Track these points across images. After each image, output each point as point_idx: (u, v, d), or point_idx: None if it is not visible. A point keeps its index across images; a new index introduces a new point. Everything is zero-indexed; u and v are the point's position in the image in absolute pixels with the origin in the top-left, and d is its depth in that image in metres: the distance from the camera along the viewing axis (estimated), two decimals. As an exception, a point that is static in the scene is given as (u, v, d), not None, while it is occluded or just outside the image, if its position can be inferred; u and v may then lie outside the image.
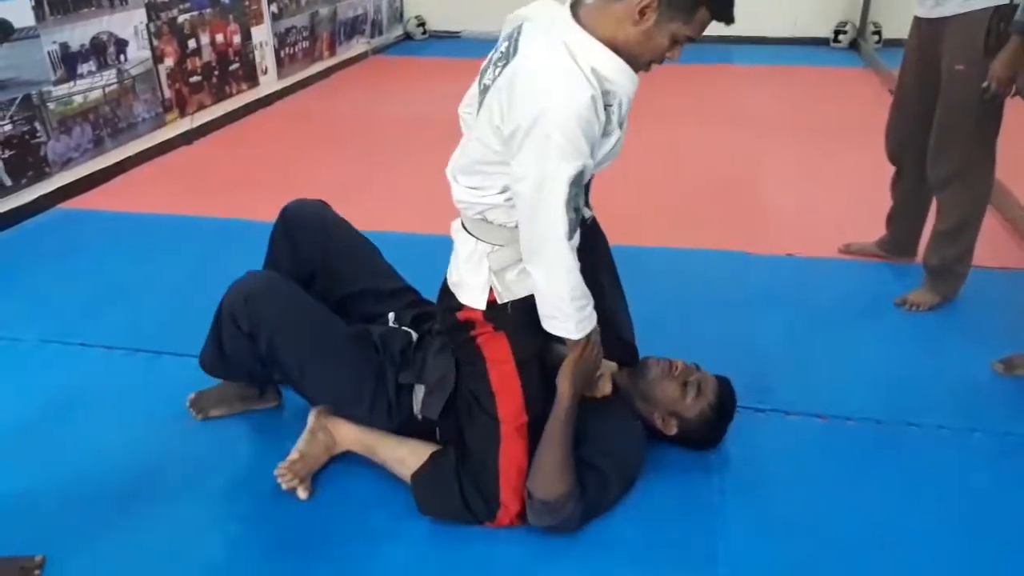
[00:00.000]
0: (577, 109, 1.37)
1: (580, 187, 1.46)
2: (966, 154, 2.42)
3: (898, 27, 6.28)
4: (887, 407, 2.12)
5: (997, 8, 2.23)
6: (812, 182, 3.57)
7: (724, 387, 1.87)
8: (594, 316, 1.62)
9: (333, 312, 1.92)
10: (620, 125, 1.49)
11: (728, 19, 1.44)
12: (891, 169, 2.78)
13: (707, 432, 1.87)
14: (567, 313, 1.56)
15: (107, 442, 1.98)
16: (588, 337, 1.63)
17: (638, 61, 1.46)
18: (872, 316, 2.57)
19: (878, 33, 6.58)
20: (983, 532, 1.71)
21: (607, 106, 1.42)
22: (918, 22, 2.52)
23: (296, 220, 2.07)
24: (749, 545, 1.67)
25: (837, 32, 6.78)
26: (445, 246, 1.74)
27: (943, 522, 1.74)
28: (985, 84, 2.23)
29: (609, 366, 1.88)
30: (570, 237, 1.47)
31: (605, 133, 1.45)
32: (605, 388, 1.84)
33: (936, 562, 1.63)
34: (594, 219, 1.79)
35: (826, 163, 3.82)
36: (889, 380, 2.23)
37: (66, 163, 3.54)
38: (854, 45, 6.73)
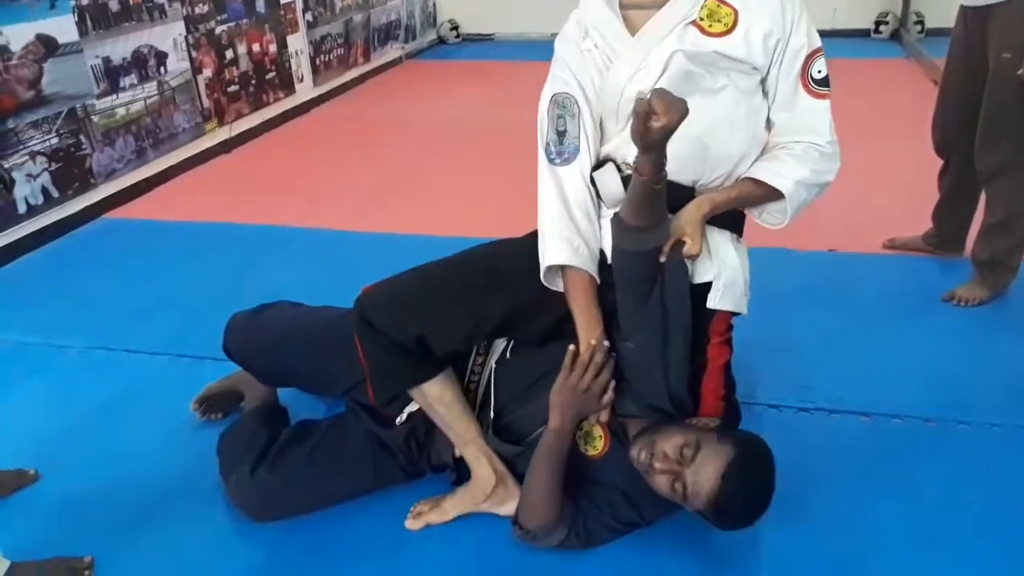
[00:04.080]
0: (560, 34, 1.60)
1: (563, 109, 1.58)
2: (1015, 145, 2.35)
3: (941, 16, 6.19)
4: (935, 404, 2.06)
5: None
6: (855, 175, 3.43)
7: (729, 482, 1.42)
8: (559, 257, 1.55)
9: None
10: (608, 62, 1.54)
11: None
12: (936, 161, 2.72)
13: (716, 525, 1.52)
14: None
15: (151, 445, 2.01)
16: (575, 361, 1.54)
17: None
18: (919, 312, 2.50)
19: (921, 23, 6.44)
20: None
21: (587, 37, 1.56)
22: (964, 11, 2.45)
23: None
24: (793, 545, 1.64)
25: (878, 23, 6.65)
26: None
27: (996, 520, 1.69)
28: (1021, 71, 2.16)
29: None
30: (551, 156, 1.59)
31: (599, 68, 1.55)
32: (602, 416, 1.61)
33: (987, 562, 1.59)
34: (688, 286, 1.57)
35: (869, 156, 3.73)
36: (937, 377, 2.18)
37: (110, 174, 3.61)
38: (896, 36, 6.60)
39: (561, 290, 1.62)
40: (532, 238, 1.69)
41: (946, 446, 1.92)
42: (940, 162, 2.71)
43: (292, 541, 1.70)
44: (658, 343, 1.54)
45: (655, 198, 1.42)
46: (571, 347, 1.55)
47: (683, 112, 1.28)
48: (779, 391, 2.10)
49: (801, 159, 1.55)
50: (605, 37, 1.53)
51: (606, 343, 1.56)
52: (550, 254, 1.57)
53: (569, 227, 1.57)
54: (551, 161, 1.60)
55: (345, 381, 1.78)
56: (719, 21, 1.48)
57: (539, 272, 1.62)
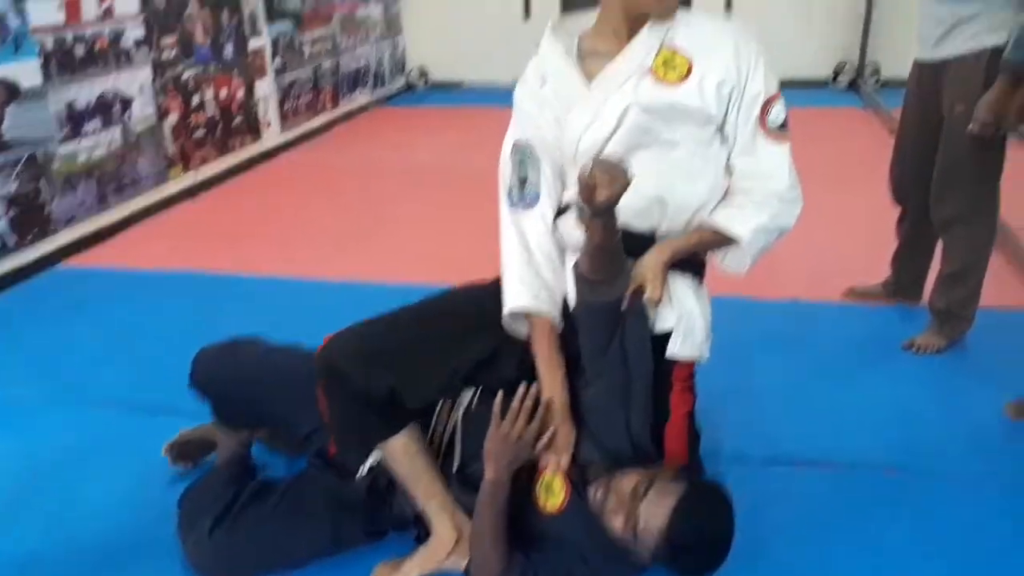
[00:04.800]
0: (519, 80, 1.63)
1: (524, 156, 1.60)
2: (969, 195, 2.41)
3: (896, 67, 6.38)
4: (898, 454, 2.08)
5: (994, 50, 2.24)
6: (816, 223, 3.50)
7: (681, 517, 1.41)
8: (519, 302, 1.58)
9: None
10: (566, 110, 1.55)
11: None
12: (894, 210, 2.77)
13: (674, 568, 1.49)
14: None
15: (106, 501, 1.95)
16: (505, 410, 1.52)
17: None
18: (879, 360, 2.53)
19: (877, 73, 6.63)
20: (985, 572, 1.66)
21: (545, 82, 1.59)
22: (918, 64, 2.52)
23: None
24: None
25: (836, 73, 6.84)
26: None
27: (957, 572, 1.69)
28: (970, 126, 2.22)
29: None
30: (511, 203, 1.62)
31: (556, 117, 1.57)
32: (563, 462, 1.58)
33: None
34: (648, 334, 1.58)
35: (829, 204, 3.80)
36: (898, 426, 2.19)
37: (69, 220, 3.56)
38: (853, 86, 6.79)
39: (523, 335, 1.62)
40: (497, 283, 1.69)
41: (908, 496, 1.93)
42: (898, 210, 2.77)
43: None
44: (619, 389, 1.55)
45: (610, 254, 1.44)
46: (498, 396, 1.53)
47: (625, 183, 1.31)
48: (743, 442, 2.10)
49: (760, 205, 1.57)
50: (563, 86, 1.56)
51: (535, 389, 1.54)
52: (510, 299, 1.59)
53: (529, 272, 1.59)
54: (513, 206, 1.63)
55: (308, 424, 1.75)
56: (674, 69, 1.50)
57: (500, 320, 1.62)
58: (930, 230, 2.65)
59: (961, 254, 2.49)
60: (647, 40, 1.51)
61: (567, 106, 1.56)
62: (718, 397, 2.18)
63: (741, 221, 1.57)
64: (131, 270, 3.45)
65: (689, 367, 1.66)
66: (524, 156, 1.60)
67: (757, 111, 1.55)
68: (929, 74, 2.45)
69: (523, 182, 1.61)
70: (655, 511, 1.42)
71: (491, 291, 1.67)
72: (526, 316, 1.61)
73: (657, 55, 1.50)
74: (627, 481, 1.48)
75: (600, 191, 1.30)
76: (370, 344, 1.63)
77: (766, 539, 1.78)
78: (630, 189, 1.35)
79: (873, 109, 5.99)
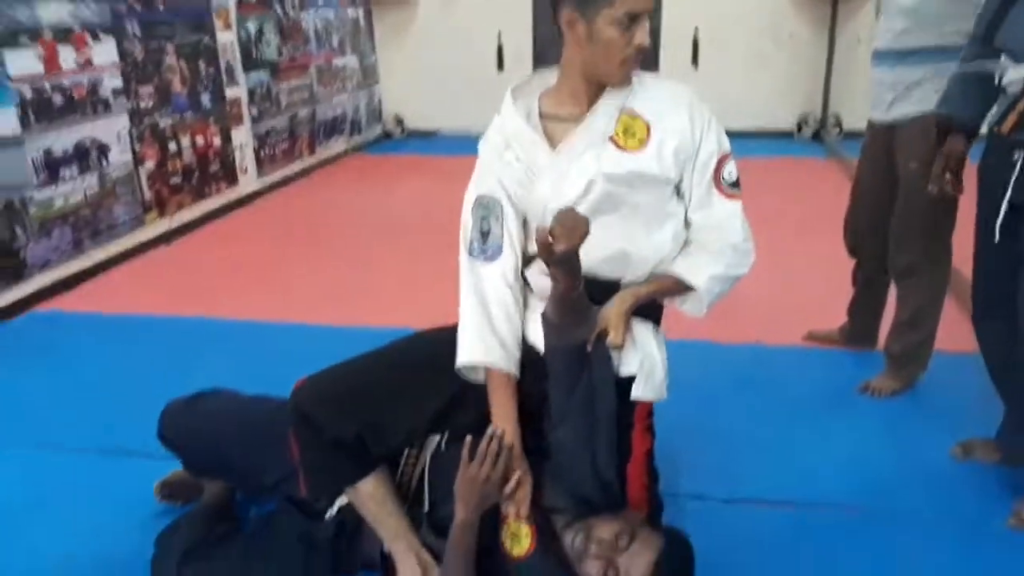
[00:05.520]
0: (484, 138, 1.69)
1: (487, 211, 1.65)
2: (924, 247, 2.51)
3: (857, 119, 6.55)
4: (853, 494, 2.14)
5: None
6: (779, 269, 3.66)
7: (661, 570, 1.50)
8: (472, 356, 1.62)
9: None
10: (529, 174, 1.61)
11: None
12: (851, 258, 2.88)
13: None
14: None
15: (77, 545, 1.95)
16: (473, 453, 1.55)
17: (613, 67, 1.55)
18: (836, 402, 2.62)
19: (839, 124, 6.86)
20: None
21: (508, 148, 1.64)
22: (872, 124, 2.65)
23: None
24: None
25: (800, 124, 7.06)
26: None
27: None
28: (930, 187, 2.32)
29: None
30: (472, 255, 1.65)
31: (519, 181, 1.63)
32: (522, 511, 1.61)
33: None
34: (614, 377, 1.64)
35: (793, 251, 3.93)
36: (854, 466, 2.27)
37: (44, 265, 3.59)
38: (817, 136, 7.00)
39: (480, 381, 1.67)
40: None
41: (865, 536, 1.99)
42: (853, 259, 2.88)
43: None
44: (585, 430, 1.60)
45: (574, 301, 1.51)
46: (467, 439, 1.58)
47: (583, 232, 1.38)
48: (704, 482, 2.16)
49: (716, 256, 1.65)
50: (526, 151, 1.62)
51: (500, 432, 1.58)
52: (463, 353, 1.63)
53: (485, 326, 1.63)
54: (473, 258, 1.67)
55: (275, 472, 1.78)
56: (633, 136, 1.59)
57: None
58: (883, 282, 2.77)
59: (916, 302, 2.59)
60: (607, 107, 1.59)
61: (531, 170, 1.62)
62: (680, 437, 2.25)
63: (698, 270, 1.65)
64: (106, 315, 3.47)
65: (648, 407, 1.73)
66: (488, 211, 1.64)
67: (711, 171, 1.64)
68: (882, 134, 2.57)
69: (485, 235, 1.64)
70: (637, 562, 1.49)
71: (454, 339, 1.73)
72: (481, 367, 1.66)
73: (619, 121, 1.59)
74: (607, 529, 1.54)
75: (558, 243, 1.37)
76: (338, 390, 1.67)
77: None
78: (597, 245, 1.45)
79: (836, 159, 6.18)
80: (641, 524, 1.58)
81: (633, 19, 1.49)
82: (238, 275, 3.97)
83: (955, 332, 2.81)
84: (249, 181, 5.29)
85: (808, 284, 3.61)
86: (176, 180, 4.52)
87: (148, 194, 4.28)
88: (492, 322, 1.63)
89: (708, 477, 2.19)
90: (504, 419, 1.63)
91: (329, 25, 6.41)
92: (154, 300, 3.63)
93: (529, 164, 1.62)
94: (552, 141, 1.62)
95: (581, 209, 1.56)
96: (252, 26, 5.27)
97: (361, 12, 7.02)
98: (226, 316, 3.37)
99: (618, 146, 1.58)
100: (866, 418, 2.52)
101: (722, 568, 1.85)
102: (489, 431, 1.59)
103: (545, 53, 7.11)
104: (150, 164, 4.29)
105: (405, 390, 1.70)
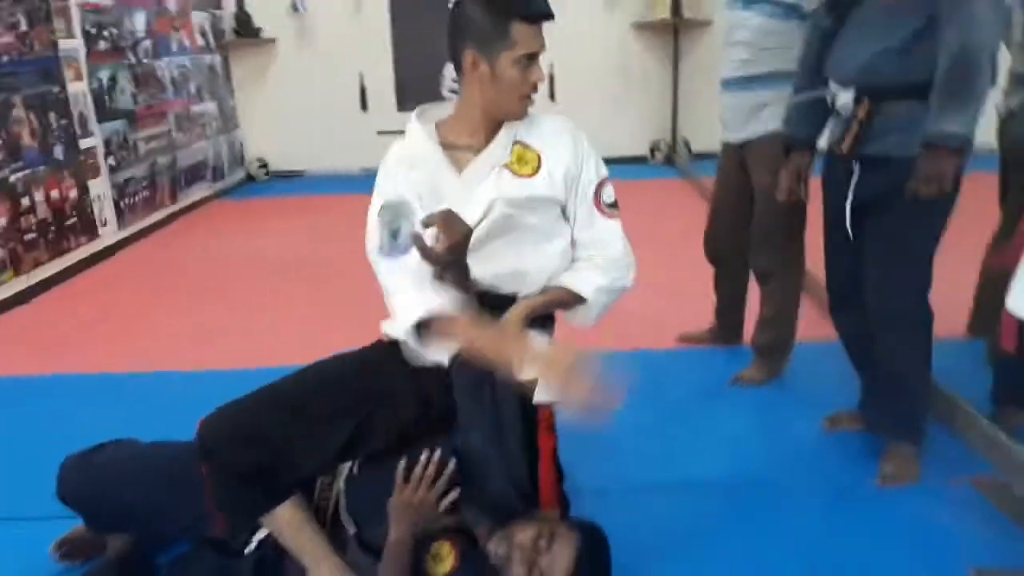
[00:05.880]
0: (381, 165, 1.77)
1: (395, 212, 1.69)
2: (780, 250, 2.78)
3: (704, 142, 7.09)
4: (735, 473, 2.36)
5: None
6: (648, 281, 3.89)
7: (581, 564, 1.63)
8: (417, 312, 1.61)
9: None
10: (435, 193, 1.70)
11: (538, 14, 1.64)
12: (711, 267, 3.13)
13: None
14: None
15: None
16: (407, 476, 1.65)
17: (514, 102, 1.69)
18: (713, 395, 2.85)
19: (688, 147, 7.33)
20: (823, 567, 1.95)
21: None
22: (726, 145, 2.91)
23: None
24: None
25: (653, 149, 7.49)
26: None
27: (796, 567, 1.96)
28: (777, 194, 2.57)
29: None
30: (384, 252, 1.69)
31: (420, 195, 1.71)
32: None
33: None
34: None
35: (658, 264, 4.15)
36: (736, 448, 2.49)
37: None
38: (668, 160, 7.45)
39: (423, 362, 1.71)
40: (365, 352, 1.81)
41: (752, 506, 2.20)
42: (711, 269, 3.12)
43: None
44: (495, 432, 1.69)
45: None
46: (401, 463, 1.65)
47: (464, 232, 1.55)
48: (602, 477, 2.30)
49: (601, 270, 1.81)
50: (431, 174, 1.71)
51: (437, 454, 1.66)
52: (406, 314, 1.61)
53: (418, 285, 1.65)
54: (384, 254, 1.70)
55: (184, 516, 1.76)
56: (527, 164, 1.74)
57: (371, 389, 1.72)
58: (743, 285, 3.06)
59: (777, 299, 2.86)
60: (503, 138, 1.74)
61: (436, 192, 1.71)
62: (574, 437, 2.37)
63: (585, 282, 1.80)
64: (-35, 379, 3.26)
65: (549, 409, 1.84)
66: (395, 213, 1.69)
67: (592, 193, 1.81)
68: (735, 152, 2.84)
69: (395, 233, 1.68)
70: (558, 561, 1.60)
71: (355, 365, 1.79)
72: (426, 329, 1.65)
73: (512, 151, 1.73)
74: (527, 535, 1.63)
75: (442, 241, 1.50)
76: (243, 423, 1.68)
77: (633, 560, 1.94)
78: (493, 263, 1.63)
79: (688, 179, 6.62)
80: (557, 523, 1.68)
81: (531, 58, 1.66)
82: (106, 329, 3.80)
83: (812, 324, 3.11)
84: (109, 233, 5.08)
85: (676, 292, 3.85)
86: (31, 236, 4.29)
87: (1, 253, 4.05)
88: (423, 282, 1.64)
89: (605, 472, 2.32)
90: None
91: (186, 71, 6.28)
92: (15, 361, 3.43)
93: (434, 186, 1.71)
94: (455, 167, 1.73)
95: (480, 230, 1.68)
96: (104, 75, 5.11)
97: (217, 58, 6.92)
98: (96, 371, 3.24)
99: (513, 173, 1.73)
100: (740, 406, 2.75)
101: (631, 550, 1.96)
102: (424, 456, 1.66)
103: (407, 93, 7.23)
104: (2, 221, 4.06)
105: (311, 418, 1.72)
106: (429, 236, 1.60)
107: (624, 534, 2.02)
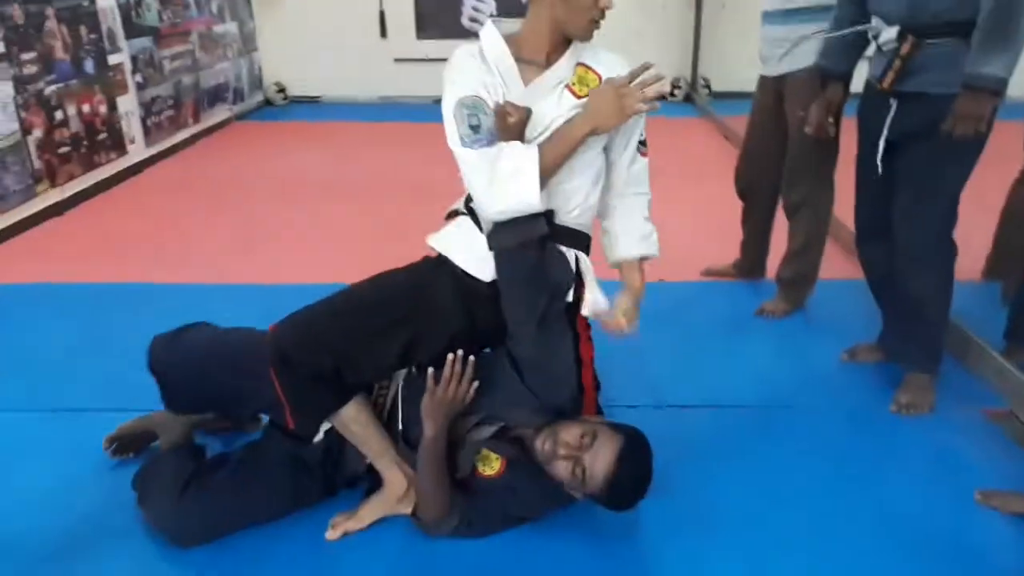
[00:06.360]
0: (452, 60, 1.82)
1: (473, 108, 1.74)
2: (812, 184, 2.86)
3: (723, 82, 7.09)
4: (759, 395, 2.49)
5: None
6: (672, 215, 3.97)
7: (622, 463, 1.72)
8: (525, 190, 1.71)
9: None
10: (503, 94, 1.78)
11: None
12: (734, 200, 3.20)
13: (609, 505, 1.80)
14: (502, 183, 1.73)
15: (45, 498, 1.99)
16: (436, 378, 1.76)
17: (582, 24, 1.76)
18: (738, 325, 2.96)
19: (708, 87, 7.32)
20: (842, 487, 2.08)
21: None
22: (763, 79, 2.96)
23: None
24: (663, 514, 1.94)
25: (673, 88, 7.48)
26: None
27: (818, 483, 2.09)
28: (806, 128, 2.63)
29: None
30: (467, 143, 1.74)
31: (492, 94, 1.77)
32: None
33: (809, 513, 1.98)
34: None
35: (681, 199, 4.26)
36: (759, 374, 2.61)
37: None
38: (688, 98, 7.44)
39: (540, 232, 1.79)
40: (415, 269, 1.91)
41: (772, 427, 2.33)
42: (739, 204, 3.20)
43: (218, 562, 1.78)
44: (544, 341, 1.81)
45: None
46: (430, 371, 1.77)
47: (528, 112, 1.69)
48: (634, 394, 2.44)
49: (643, 213, 1.98)
50: (503, 77, 1.78)
51: (460, 353, 1.78)
52: (534, 195, 1.70)
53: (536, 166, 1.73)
54: (468, 146, 1.74)
55: (258, 401, 1.88)
56: (586, 85, 1.82)
57: (423, 301, 1.83)
58: (770, 222, 3.14)
59: (805, 232, 2.94)
60: (569, 58, 1.81)
61: (504, 96, 1.78)
62: (607, 359, 2.50)
63: (650, 244, 2.00)
64: (7, 284, 3.36)
65: (586, 321, 1.97)
66: (474, 108, 1.73)
67: (639, 130, 1.92)
68: (772, 86, 2.89)
69: (475, 128, 1.74)
70: (601, 460, 1.72)
71: (406, 282, 1.89)
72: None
73: (575, 72, 1.81)
74: (571, 433, 1.76)
75: (512, 116, 1.67)
76: (313, 331, 1.79)
77: (664, 467, 2.07)
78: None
79: (706, 117, 6.62)
80: (601, 424, 1.81)
81: None
82: (138, 242, 3.89)
83: (833, 264, 3.22)
84: (138, 150, 5.14)
85: (699, 225, 3.94)
86: (65, 149, 4.35)
87: (37, 164, 4.12)
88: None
89: (636, 389, 2.46)
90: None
91: (208, -11, 6.24)
92: (55, 269, 3.53)
93: (503, 91, 1.78)
94: (523, 79, 1.80)
95: (536, 142, 1.76)
96: (131, -11, 5.10)
97: (238, -23, 6.86)
98: (132, 281, 3.35)
99: (574, 94, 1.80)
100: (764, 335, 2.87)
101: (660, 461, 2.11)
102: (450, 356, 1.77)
103: (426, 21, 7.18)
104: (39, 132, 4.12)
105: (370, 330, 1.82)
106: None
107: (653, 446, 2.18)
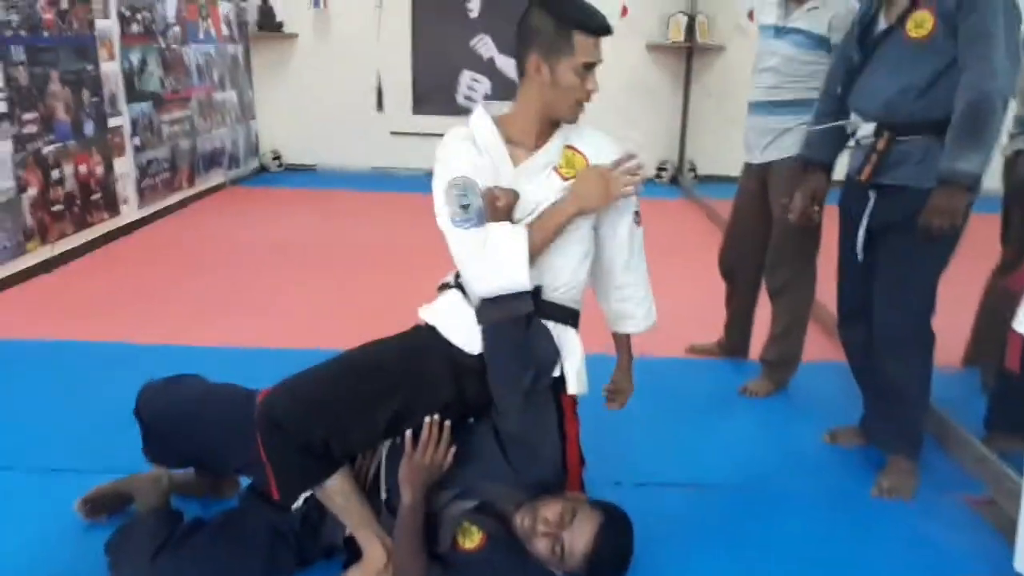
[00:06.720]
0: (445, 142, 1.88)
1: (464, 189, 1.78)
2: (793, 270, 2.93)
3: (708, 165, 7.26)
4: (740, 476, 2.49)
5: None
6: (656, 293, 4.02)
7: (601, 542, 1.72)
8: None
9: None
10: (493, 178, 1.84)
11: (598, 28, 1.79)
12: (717, 278, 3.27)
13: None
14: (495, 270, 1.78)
15: (17, 561, 1.95)
16: (416, 440, 1.78)
17: (569, 106, 1.83)
18: (721, 404, 2.98)
19: (693, 170, 7.49)
20: (820, 573, 2.07)
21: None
22: (748, 166, 3.07)
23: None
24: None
25: (660, 170, 7.65)
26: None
27: (796, 565, 2.09)
28: (788, 215, 2.71)
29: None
30: (457, 223, 1.78)
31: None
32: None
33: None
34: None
35: (667, 278, 4.30)
36: (741, 454, 2.62)
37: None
38: (674, 181, 7.61)
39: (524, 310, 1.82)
40: (407, 336, 1.93)
41: (754, 509, 2.32)
42: (720, 278, 3.26)
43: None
44: (529, 417, 1.82)
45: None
46: (408, 433, 1.78)
47: (516, 196, 1.75)
48: (617, 471, 2.43)
49: (644, 295, 2.09)
50: (496, 161, 1.84)
51: (437, 417, 1.79)
52: (520, 276, 1.77)
53: (524, 251, 1.78)
54: (458, 224, 1.79)
55: (241, 457, 1.86)
56: (573, 168, 1.89)
57: (414, 370, 1.85)
58: (753, 303, 3.19)
59: (788, 315, 3.00)
60: (556, 140, 1.88)
61: (494, 179, 1.84)
62: (591, 436, 2.50)
63: (647, 316, 2.11)
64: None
65: (573, 398, 1.98)
66: (464, 189, 1.78)
67: (632, 205, 1.98)
68: (757, 173, 3.00)
69: (466, 208, 1.78)
70: (580, 537, 1.71)
71: (397, 350, 1.90)
72: None
73: (562, 155, 1.88)
74: (551, 509, 1.75)
75: (500, 200, 1.73)
76: (305, 400, 1.79)
77: (640, 548, 2.06)
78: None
79: (691, 199, 6.77)
80: (582, 502, 1.81)
81: (588, 68, 1.80)
82: (122, 301, 3.90)
83: (818, 347, 3.26)
84: (131, 211, 5.19)
85: (683, 303, 3.98)
86: (58, 208, 4.39)
87: (30, 221, 4.14)
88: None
89: (621, 466, 2.45)
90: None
91: (210, 59, 6.40)
92: (39, 326, 3.53)
93: (493, 173, 1.84)
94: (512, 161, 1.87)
95: (525, 223, 1.81)
96: (135, 57, 5.22)
97: (240, 48, 7.04)
98: (115, 340, 3.34)
99: (561, 176, 1.86)
100: (746, 415, 2.89)
101: (641, 540, 2.10)
102: (426, 420, 1.78)
103: (423, 97, 7.36)
104: (33, 191, 4.16)
105: (361, 399, 1.82)
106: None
107: (635, 524, 2.16)
